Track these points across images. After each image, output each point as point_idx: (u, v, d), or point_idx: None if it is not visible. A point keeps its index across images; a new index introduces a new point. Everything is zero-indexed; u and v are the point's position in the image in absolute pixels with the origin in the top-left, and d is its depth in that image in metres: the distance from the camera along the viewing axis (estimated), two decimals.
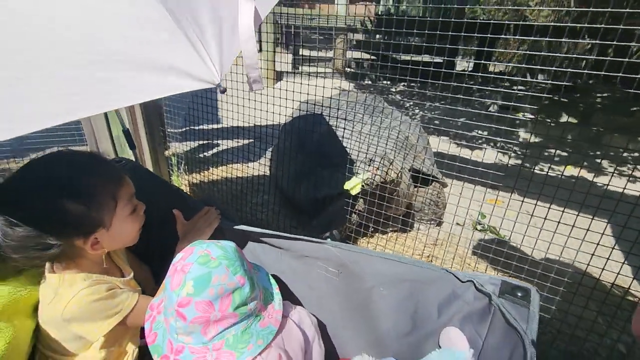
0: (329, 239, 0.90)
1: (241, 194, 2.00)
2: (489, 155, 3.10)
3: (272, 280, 0.84)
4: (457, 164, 1.26)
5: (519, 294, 0.72)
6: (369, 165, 1.46)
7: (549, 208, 1.12)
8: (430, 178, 1.47)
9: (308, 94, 1.56)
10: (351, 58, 6.27)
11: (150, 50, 0.54)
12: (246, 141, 2.58)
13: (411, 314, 0.89)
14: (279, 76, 5.16)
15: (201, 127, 1.84)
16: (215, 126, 1.82)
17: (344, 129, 1.80)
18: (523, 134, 3.92)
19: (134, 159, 1.60)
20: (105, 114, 1.88)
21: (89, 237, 0.73)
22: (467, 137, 3.74)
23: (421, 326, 0.89)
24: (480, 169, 1.19)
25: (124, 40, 0.52)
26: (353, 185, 1.47)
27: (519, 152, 3.40)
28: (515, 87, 5.42)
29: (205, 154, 2.83)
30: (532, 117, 3.97)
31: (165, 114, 2.07)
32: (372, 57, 6.07)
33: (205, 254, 0.67)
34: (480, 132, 3.97)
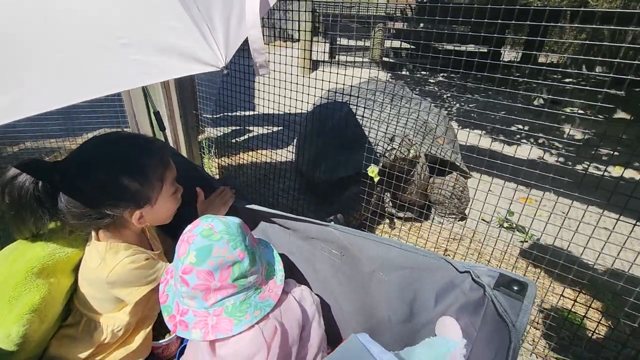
0: (332, 222, 0.93)
1: (264, 178, 2.08)
2: (525, 151, 2.94)
3: (278, 258, 0.89)
4: (487, 158, 1.20)
5: (515, 288, 0.71)
6: (391, 142, 1.48)
7: (585, 210, 1.05)
8: (447, 168, 1.44)
9: (344, 84, 1.58)
10: (389, 47, 6.13)
11: (163, 38, 0.59)
12: (276, 128, 2.65)
13: (409, 302, 0.90)
14: (315, 65, 5.18)
15: (235, 113, 1.92)
16: (248, 113, 1.89)
17: (363, 115, 1.81)
18: (570, 131, 3.65)
19: (164, 140, 1.71)
20: (145, 97, 2.03)
21: (137, 211, 0.81)
22: (506, 132, 3.56)
23: (418, 314, 0.90)
24: (510, 165, 1.14)
25: (140, 27, 0.58)
26: (376, 171, 1.49)
27: (562, 150, 3.18)
28: (566, 80, 5.02)
29: (237, 139, 2.95)
30: (582, 112, 3.67)
31: (198, 99, 2.19)
32: (412, 47, 5.90)
33: (209, 227, 0.73)
34: (520, 127, 3.76)
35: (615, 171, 2.87)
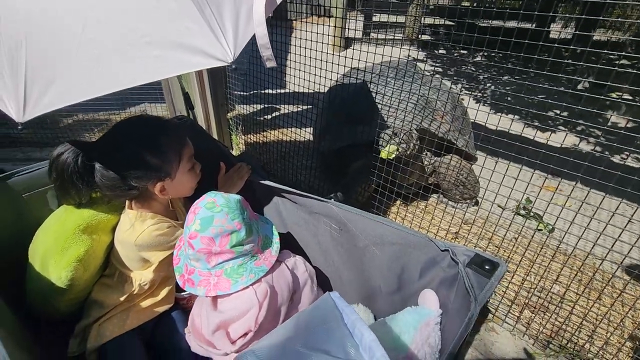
0: (332, 199, 1.03)
1: (287, 155, 2.20)
2: (559, 138, 2.82)
3: (275, 233, 1.01)
4: (518, 143, 1.15)
5: (487, 267, 0.78)
6: (394, 137, 1.54)
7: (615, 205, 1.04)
8: (450, 150, 1.45)
9: (373, 63, 1.55)
10: (426, 24, 5.89)
11: (180, 37, 0.70)
12: (304, 107, 2.74)
13: (398, 274, 0.99)
14: (348, 43, 5.13)
15: (265, 91, 2.03)
16: (278, 91, 1.97)
17: (369, 90, 1.89)
18: (614, 118, 3.42)
19: (192, 118, 1.86)
20: (179, 79, 2.19)
21: (159, 183, 0.95)
22: (541, 117, 3.40)
23: (405, 286, 0.99)
24: (543, 150, 1.09)
25: (161, 28, 0.69)
26: (390, 151, 1.56)
27: (602, 138, 3.00)
28: (619, 63, 4.59)
29: (265, 117, 3.08)
30: (629, 98, 3.40)
31: (228, 78, 2.32)
32: (451, 23, 5.63)
33: (212, 201, 0.86)
34: (557, 112, 3.56)
35: None
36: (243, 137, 2.37)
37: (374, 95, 1.87)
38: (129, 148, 0.91)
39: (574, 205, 1.90)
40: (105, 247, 1.03)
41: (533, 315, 1.43)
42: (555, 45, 1.04)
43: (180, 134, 0.99)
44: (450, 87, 1.95)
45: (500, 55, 4.99)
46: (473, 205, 2.03)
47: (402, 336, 0.85)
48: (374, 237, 1.00)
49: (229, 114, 2.49)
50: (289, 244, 1.24)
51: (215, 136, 2.40)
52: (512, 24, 5.56)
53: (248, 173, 1.20)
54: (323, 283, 1.19)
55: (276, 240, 1.00)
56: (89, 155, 0.90)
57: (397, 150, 1.56)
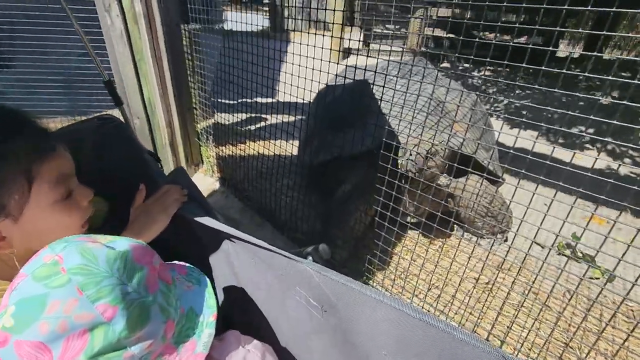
0: (309, 257, 0.57)
1: (268, 174, 1.75)
2: (587, 160, 2.40)
3: (212, 302, 0.55)
4: (548, 162, 0.82)
5: None
6: (403, 155, 1.11)
7: None
8: (470, 170, 1.00)
9: (375, 72, 1.22)
10: (430, 35, 5.60)
11: None
12: (295, 117, 2.30)
13: None
14: (347, 54, 4.79)
15: (254, 99, 1.60)
16: (268, 100, 1.54)
17: (368, 88, 1.45)
18: None
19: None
20: (137, 77, 1.77)
21: None
22: (564, 135, 3.00)
23: None
24: (581, 172, 0.74)
25: None
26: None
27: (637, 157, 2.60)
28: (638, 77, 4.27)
29: (249, 127, 2.64)
30: None
31: (205, 79, 1.89)
32: (455, 36, 5.34)
33: (53, 261, 0.40)
34: (582, 128, 3.16)
35: None
36: (215, 149, 1.92)
37: (374, 93, 1.44)
38: None
39: (621, 240, 1.45)
40: None
41: None
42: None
43: (31, 134, 0.54)
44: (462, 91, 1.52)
45: (508, 70, 4.66)
46: (504, 242, 1.58)
47: None
48: (386, 337, 0.54)
49: (203, 123, 2.05)
50: (243, 309, 0.78)
51: (180, 148, 1.95)
52: (522, 39, 5.28)
53: (178, 202, 0.75)
54: None
55: (210, 319, 0.54)
56: None
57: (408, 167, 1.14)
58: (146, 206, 0.73)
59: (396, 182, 1.08)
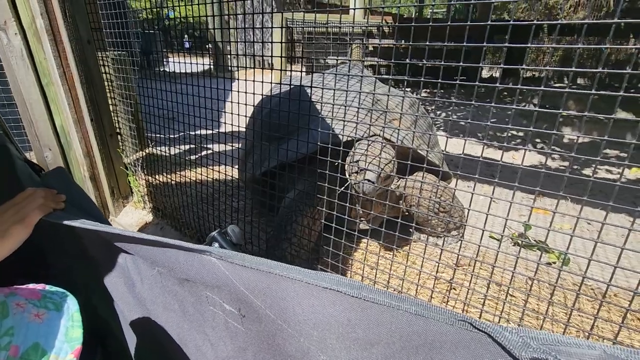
0: (215, 244, 0.44)
1: (211, 197, 1.58)
2: (522, 157, 2.53)
3: (76, 333, 0.40)
4: (487, 161, 0.78)
5: None
6: (358, 173, 1.04)
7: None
8: (409, 162, 0.94)
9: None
10: (367, 63, 5.90)
11: None
12: (239, 145, 2.18)
13: None
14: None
15: (197, 132, 1.45)
16: (212, 131, 1.38)
17: (304, 93, 1.38)
18: (569, 135, 3.30)
19: None
20: (46, 102, 1.56)
21: None
22: (500, 139, 3.18)
23: None
24: (521, 167, 0.70)
25: None
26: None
27: (565, 154, 2.80)
28: (555, 85, 4.79)
29: (190, 157, 2.46)
30: (579, 114, 3.34)
31: (131, 102, 1.72)
32: (390, 63, 5.67)
33: None
34: (514, 133, 3.39)
35: (632, 173, 2.47)
36: (144, 177, 1.72)
37: (312, 97, 1.38)
38: None
39: (567, 227, 1.47)
40: None
41: None
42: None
43: None
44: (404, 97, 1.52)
45: (442, 91, 5.00)
46: (460, 240, 1.52)
47: None
48: (323, 330, 0.41)
49: (135, 155, 1.85)
50: (157, 343, 0.61)
51: (104, 180, 1.72)
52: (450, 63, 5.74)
53: (46, 208, 0.58)
54: None
55: (68, 357, 0.38)
56: None
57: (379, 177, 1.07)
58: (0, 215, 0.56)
59: (340, 189, 0.99)
